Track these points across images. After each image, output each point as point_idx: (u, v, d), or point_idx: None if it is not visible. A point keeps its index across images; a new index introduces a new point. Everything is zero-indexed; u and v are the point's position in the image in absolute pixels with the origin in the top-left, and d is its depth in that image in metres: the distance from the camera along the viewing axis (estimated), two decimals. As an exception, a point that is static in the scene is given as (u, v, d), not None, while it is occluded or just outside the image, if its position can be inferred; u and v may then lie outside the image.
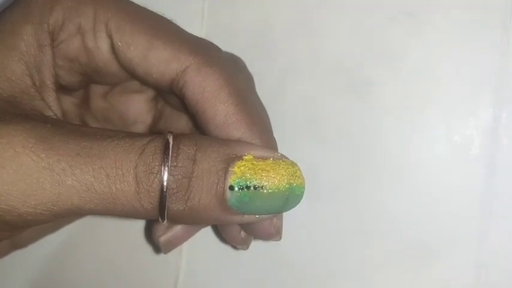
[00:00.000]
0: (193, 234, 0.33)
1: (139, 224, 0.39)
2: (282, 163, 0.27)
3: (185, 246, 0.38)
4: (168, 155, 0.25)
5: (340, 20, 0.35)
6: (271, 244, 0.36)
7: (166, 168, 0.25)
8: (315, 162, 0.36)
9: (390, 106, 0.35)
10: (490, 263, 0.33)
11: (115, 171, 0.24)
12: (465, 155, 0.34)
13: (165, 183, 0.24)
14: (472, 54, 0.33)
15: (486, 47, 0.33)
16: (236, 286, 0.38)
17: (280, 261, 0.37)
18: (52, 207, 0.24)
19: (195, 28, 0.31)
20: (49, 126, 0.25)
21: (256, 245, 0.34)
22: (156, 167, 0.25)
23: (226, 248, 0.38)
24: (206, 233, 0.38)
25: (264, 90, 0.33)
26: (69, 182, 0.24)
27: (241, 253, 0.37)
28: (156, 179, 0.24)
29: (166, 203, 0.25)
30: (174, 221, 0.26)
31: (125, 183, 0.24)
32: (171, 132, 0.26)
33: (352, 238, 0.35)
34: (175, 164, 0.25)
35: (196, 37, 0.31)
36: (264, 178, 0.26)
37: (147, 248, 0.39)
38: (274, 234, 0.29)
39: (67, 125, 0.26)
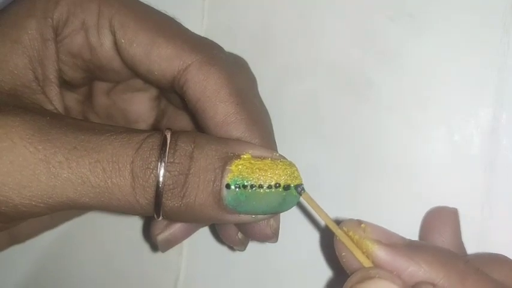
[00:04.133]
0: (192, 233, 0.32)
1: (140, 223, 0.39)
2: (280, 163, 0.27)
3: (185, 246, 0.38)
4: (165, 151, 0.25)
5: (341, 20, 0.35)
6: (270, 244, 0.36)
7: (163, 164, 0.25)
8: (314, 162, 0.35)
9: (390, 106, 0.34)
10: (490, 264, 0.33)
11: (111, 165, 0.24)
12: (465, 155, 0.33)
13: (161, 179, 0.24)
14: (472, 55, 0.33)
15: (486, 48, 0.33)
16: (235, 286, 0.38)
17: (280, 261, 0.37)
18: (47, 199, 0.24)
19: (195, 28, 0.31)
20: (48, 119, 0.25)
21: (255, 244, 0.34)
22: (153, 162, 0.25)
23: (226, 249, 0.37)
24: (206, 233, 0.38)
25: (264, 90, 0.33)
26: (65, 175, 0.24)
27: (241, 253, 0.37)
28: (152, 175, 0.24)
29: (162, 199, 0.25)
30: (170, 218, 0.26)
31: (121, 178, 0.24)
32: (169, 129, 0.26)
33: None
34: (172, 160, 0.25)
35: (199, 36, 0.31)
36: (261, 177, 0.26)
37: (148, 248, 0.39)
38: (271, 235, 0.29)
39: (66, 118, 0.26)
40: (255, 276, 0.37)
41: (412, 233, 0.34)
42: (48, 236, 0.37)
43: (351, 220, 0.26)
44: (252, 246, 0.33)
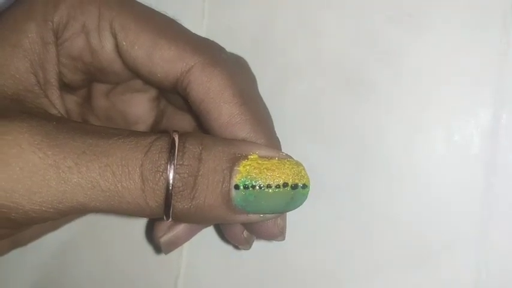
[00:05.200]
0: (195, 234, 0.33)
1: (141, 224, 0.39)
2: (287, 162, 0.27)
3: (185, 246, 0.38)
4: (174, 154, 0.25)
5: (341, 20, 0.35)
6: (272, 244, 0.36)
7: (172, 167, 0.24)
8: (315, 163, 0.35)
9: (390, 106, 0.35)
10: (490, 263, 0.33)
11: (121, 169, 0.24)
12: (465, 155, 0.34)
13: (171, 182, 0.24)
14: (472, 55, 0.34)
15: (486, 47, 0.33)
16: (236, 286, 0.37)
17: (281, 261, 0.37)
18: (57, 204, 0.24)
19: (195, 28, 0.31)
20: (54, 124, 0.25)
21: (257, 244, 0.34)
22: (162, 165, 0.24)
23: (227, 248, 0.37)
24: (207, 233, 0.37)
25: (264, 90, 0.33)
26: (75, 180, 0.24)
27: (242, 253, 0.37)
28: (162, 177, 0.24)
29: (172, 201, 0.25)
30: (179, 219, 0.26)
31: (131, 181, 0.24)
32: (176, 131, 0.25)
33: (353, 238, 0.35)
34: (181, 162, 0.25)
35: (201, 37, 0.30)
36: (269, 177, 0.26)
37: (148, 248, 0.39)
38: (278, 234, 0.29)
39: (71, 122, 0.26)
40: (256, 276, 0.37)
41: (412, 232, 0.34)
42: (50, 237, 0.37)
43: None
44: (254, 246, 0.33)
